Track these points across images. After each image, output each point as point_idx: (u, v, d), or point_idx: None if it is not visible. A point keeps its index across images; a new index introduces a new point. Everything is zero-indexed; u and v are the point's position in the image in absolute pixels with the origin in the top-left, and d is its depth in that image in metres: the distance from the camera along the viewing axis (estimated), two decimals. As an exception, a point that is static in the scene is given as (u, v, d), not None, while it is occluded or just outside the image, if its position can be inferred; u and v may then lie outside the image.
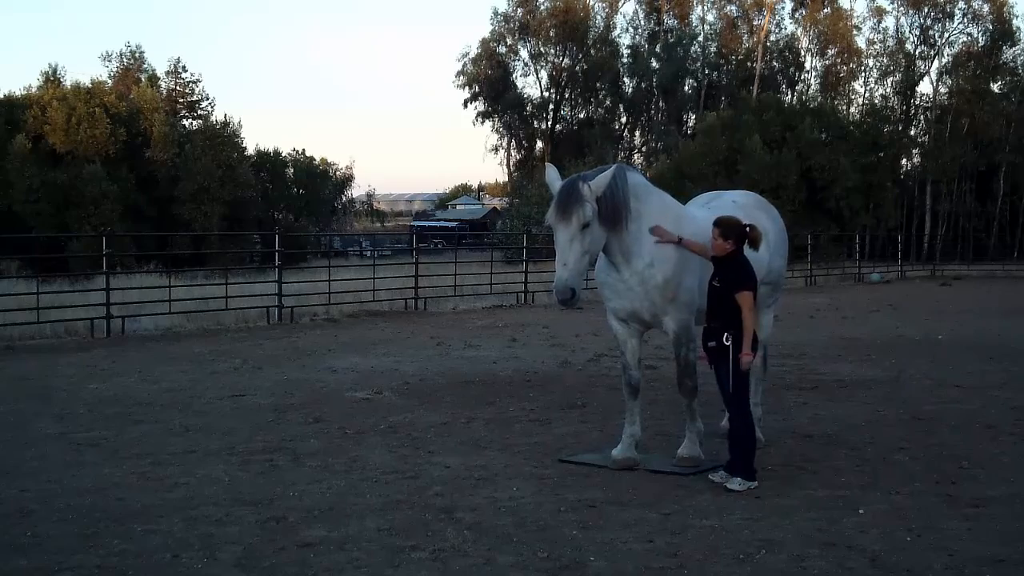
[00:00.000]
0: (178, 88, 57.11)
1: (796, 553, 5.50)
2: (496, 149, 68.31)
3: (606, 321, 7.81)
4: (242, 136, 52.39)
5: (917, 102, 59.77)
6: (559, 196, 6.89)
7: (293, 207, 58.98)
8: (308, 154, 61.68)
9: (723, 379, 6.97)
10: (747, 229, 7.00)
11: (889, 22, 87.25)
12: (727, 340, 6.86)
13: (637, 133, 69.18)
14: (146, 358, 13.97)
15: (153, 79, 54.71)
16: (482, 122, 66.72)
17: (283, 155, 59.66)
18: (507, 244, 40.03)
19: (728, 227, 6.95)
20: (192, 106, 57.38)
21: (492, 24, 65.37)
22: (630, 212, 7.07)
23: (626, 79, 65.39)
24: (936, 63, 59.17)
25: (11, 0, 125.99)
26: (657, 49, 63.27)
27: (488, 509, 6.38)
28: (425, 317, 20.79)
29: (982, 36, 57.92)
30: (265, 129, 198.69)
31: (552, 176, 7.13)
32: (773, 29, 62.65)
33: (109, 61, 58.04)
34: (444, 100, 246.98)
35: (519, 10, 64.60)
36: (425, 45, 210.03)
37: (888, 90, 60.34)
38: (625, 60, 65.21)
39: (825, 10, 61.07)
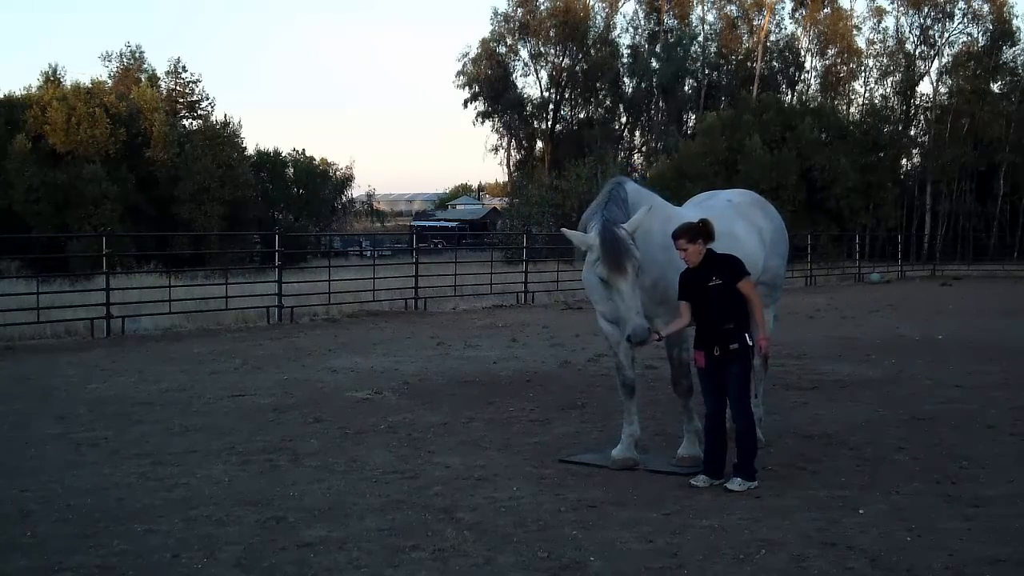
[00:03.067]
0: (178, 88, 57.18)
1: (796, 553, 5.49)
2: (496, 149, 68.45)
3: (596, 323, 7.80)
4: (242, 136, 52.55)
5: (917, 102, 59.71)
6: (607, 250, 6.74)
7: (293, 207, 58.99)
8: (308, 154, 61.91)
9: (732, 380, 6.91)
10: (701, 225, 6.94)
11: (889, 22, 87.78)
12: (750, 339, 6.91)
13: (637, 133, 69.26)
14: (146, 358, 13.97)
15: (153, 79, 54.74)
16: (482, 122, 66.83)
17: (283, 155, 59.80)
18: (507, 244, 40.06)
19: (690, 231, 6.87)
20: (192, 106, 57.44)
21: (492, 24, 65.53)
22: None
23: (626, 79, 65.41)
24: (936, 63, 59.20)
25: (11, 0, 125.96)
26: (657, 49, 63.27)
27: (488, 509, 6.38)
28: (425, 317, 20.79)
29: (982, 36, 57.88)
30: (265, 129, 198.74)
31: (580, 237, 6.99)
32: (773, 29, 62.72)
33: (109, 61, 58.30)
34: (444, 100, 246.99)
35: (519, 10, 64.61)
36: (425, 45, 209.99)
37: (888, 90, 60.33)
38: (625, 60, 65.27)
39: (825, 10, 61.06)
